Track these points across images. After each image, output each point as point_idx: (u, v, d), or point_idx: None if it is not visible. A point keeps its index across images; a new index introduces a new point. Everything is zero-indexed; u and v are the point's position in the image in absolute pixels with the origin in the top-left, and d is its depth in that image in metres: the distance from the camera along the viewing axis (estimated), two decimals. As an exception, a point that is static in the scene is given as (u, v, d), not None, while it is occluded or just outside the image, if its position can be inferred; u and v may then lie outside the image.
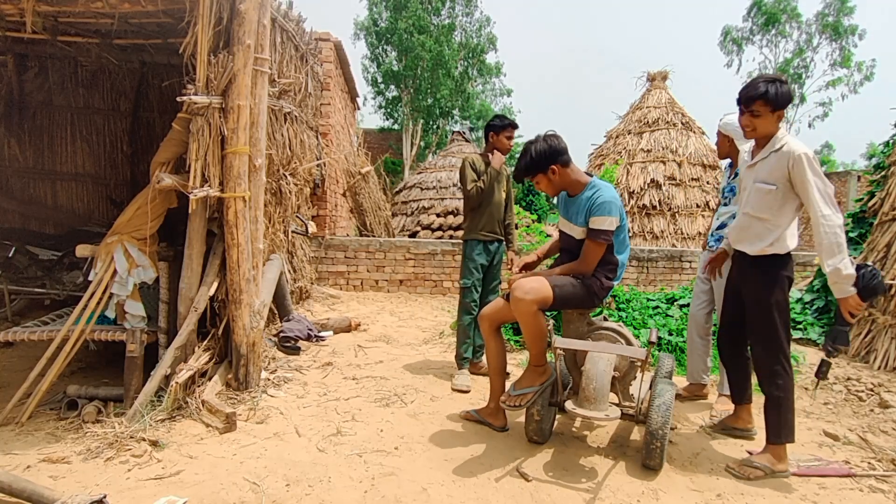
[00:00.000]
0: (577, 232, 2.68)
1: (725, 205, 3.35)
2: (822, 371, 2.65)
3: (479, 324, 3.05)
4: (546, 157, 2.61)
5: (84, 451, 2.45)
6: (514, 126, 3.73)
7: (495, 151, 3.73)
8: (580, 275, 2.63)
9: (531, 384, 2.60)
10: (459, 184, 4.09)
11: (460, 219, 9.62)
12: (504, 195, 3.83)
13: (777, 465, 2.48)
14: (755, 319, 2.54)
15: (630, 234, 9.82)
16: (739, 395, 2.90)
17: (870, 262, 2.43)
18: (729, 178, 3.34)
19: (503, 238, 3.83)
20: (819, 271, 5.69)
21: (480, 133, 20.79)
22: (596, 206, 2.56)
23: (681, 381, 3.64)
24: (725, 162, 3.44)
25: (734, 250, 2.68)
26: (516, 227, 5.08)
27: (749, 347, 2.73)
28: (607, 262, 2.66)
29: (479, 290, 3.75)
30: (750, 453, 2.70)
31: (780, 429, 2.48)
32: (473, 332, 3.77)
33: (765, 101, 2.37)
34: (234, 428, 2.70)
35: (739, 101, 2.48)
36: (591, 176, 2.72)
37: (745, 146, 2.90)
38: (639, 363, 2.58)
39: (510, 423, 2.93)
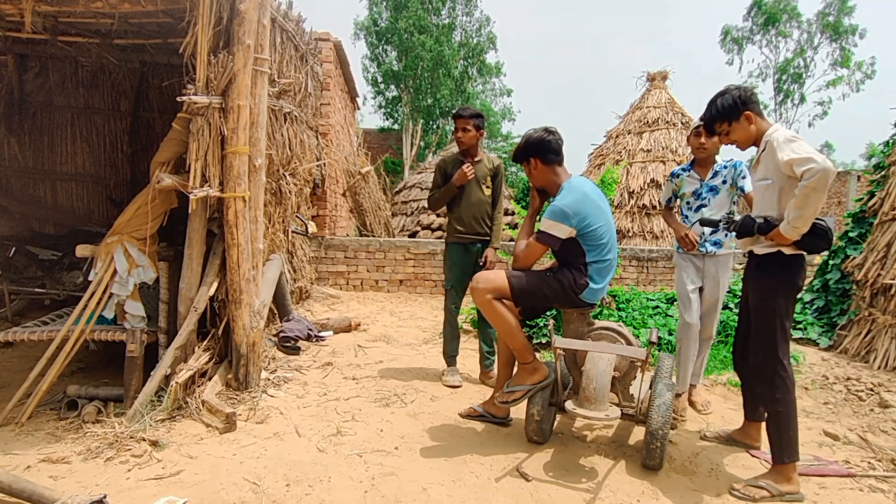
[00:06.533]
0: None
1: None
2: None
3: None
4: (526, 147, 2.77)
5: (84, 451, 2.45)
6: (460, 117, 3.50)
7: (468, 159, 3.57)
8: (522, 266, 2.75)
9: (521, 382, 2.67)
10: None
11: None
12: (489, 191, 3.66)
13: (784, 487, 2.29)
14: (755, 325, 2.46)
15: (630, 234, 9.84)
16: (751, 411, 2.77)
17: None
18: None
19: (489, 237, 3.67)
20: (818, 271, 5.69)
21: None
22: (547, 209, 2.68)
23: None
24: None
25: (747, 255, 2.58)
26: (514, 228, 5.04)
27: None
28: (575, 261, 2.67)
29: (462, 292, 3.69)
30: (753, 454, 2.70)
31: (781, 448, 2.34)
32: (482, 329, 3.73)
33: (716, 121, 2.49)
34: (234, 428, 2.70)
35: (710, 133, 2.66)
36: (571, 178, 2.75)
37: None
38: (639, 363, 2.59)
39: (512, 421, 2.94)
